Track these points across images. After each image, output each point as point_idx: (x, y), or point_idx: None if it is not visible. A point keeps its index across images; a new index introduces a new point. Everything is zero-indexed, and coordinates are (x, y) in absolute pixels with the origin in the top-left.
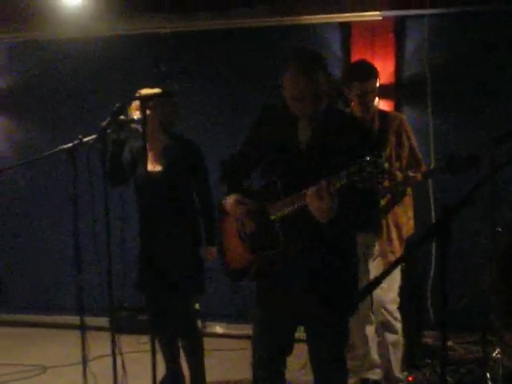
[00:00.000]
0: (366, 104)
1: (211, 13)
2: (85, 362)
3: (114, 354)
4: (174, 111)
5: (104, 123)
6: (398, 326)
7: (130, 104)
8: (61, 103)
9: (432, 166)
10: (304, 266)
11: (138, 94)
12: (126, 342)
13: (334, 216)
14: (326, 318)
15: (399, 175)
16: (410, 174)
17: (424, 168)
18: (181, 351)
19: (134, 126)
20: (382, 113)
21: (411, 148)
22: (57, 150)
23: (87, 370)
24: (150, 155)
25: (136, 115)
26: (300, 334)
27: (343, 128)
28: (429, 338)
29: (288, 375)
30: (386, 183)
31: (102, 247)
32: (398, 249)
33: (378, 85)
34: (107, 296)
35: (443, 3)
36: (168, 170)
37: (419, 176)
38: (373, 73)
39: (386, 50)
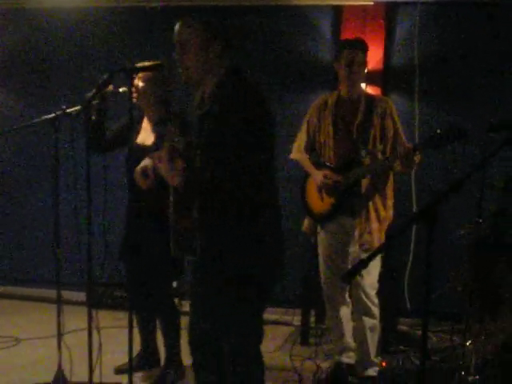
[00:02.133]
0: (353, 78)
1: None
2: (60, 335)
3: (89, 328)
4: (166, 84)
5: (89, 94)
6: (377, 311)
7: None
8: (47, 73)
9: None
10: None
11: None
12: (103, 317)
13: None
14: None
15: (380, 157)
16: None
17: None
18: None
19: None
20: (368, 95)
21: (396, 131)
22: (39, 120)
23: (62, 343)
24: (147, 128)
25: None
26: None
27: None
28: (403, 324)
29: (264, 357)
30: (367, 162)
31: (83, 220)
32: (375, 230)
33: (366, 63)
34: (85, 270)
35: None
36: (157, 144)
37: (402, 151)
38: (362, 45)
39: (377, 36)
